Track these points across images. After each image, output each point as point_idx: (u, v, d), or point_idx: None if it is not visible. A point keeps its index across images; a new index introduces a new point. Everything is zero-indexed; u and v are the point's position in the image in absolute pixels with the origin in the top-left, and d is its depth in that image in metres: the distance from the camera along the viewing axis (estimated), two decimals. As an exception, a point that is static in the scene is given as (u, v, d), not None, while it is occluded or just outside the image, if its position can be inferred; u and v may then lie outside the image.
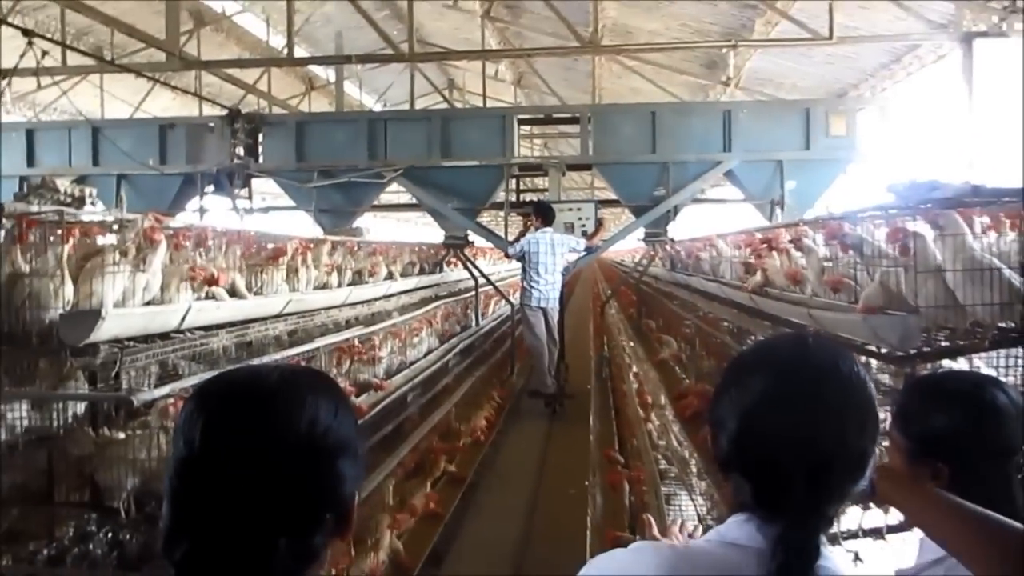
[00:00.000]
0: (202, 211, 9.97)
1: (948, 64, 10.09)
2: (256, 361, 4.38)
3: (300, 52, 13.66)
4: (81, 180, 9.45)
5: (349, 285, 6.89)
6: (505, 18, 14.13)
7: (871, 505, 3.68)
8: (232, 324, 5.08)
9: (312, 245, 6.28)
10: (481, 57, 13.92)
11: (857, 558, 3.63)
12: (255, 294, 5.21)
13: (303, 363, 4.57)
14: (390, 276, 8.16)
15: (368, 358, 5.68)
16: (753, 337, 5.23)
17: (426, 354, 7.71)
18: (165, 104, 15.07)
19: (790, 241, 4.46)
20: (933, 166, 10.15)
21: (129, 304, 4.04)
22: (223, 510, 0.98)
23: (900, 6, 9.37)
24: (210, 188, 9.85)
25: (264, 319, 5.48)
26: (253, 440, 1.00)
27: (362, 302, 7.53)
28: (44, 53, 7.86)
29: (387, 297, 8.38)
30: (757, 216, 9.37)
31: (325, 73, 16.49)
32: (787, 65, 12.57)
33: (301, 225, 9.95)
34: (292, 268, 5.76)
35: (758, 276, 4.96)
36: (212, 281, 4.52)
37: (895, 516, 3.78)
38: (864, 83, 12.24)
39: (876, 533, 3.62)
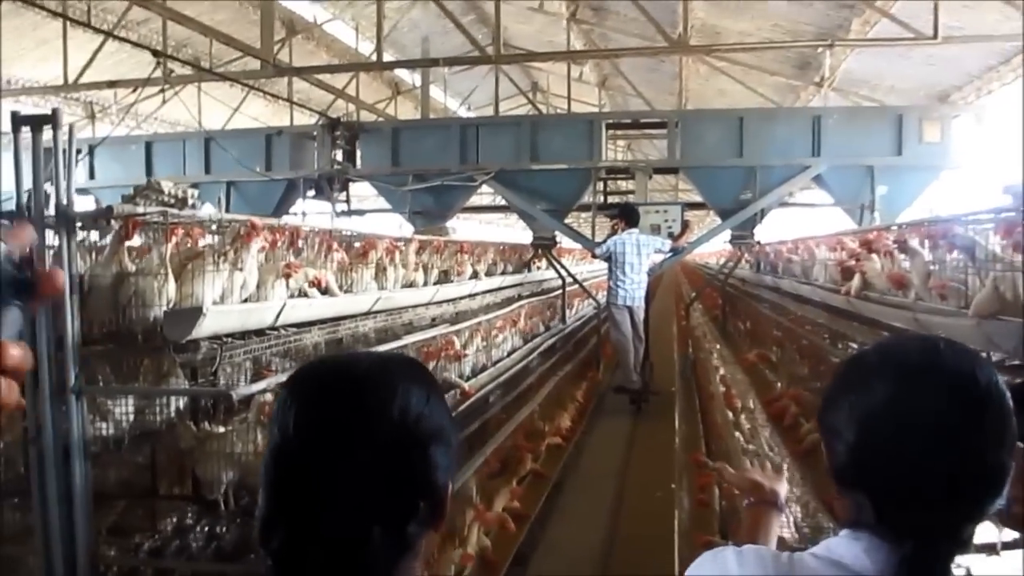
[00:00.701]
0: (304, 214, 10.50)
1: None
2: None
3: (388, 57, 13.90)
4: (193, 187, 9.98)
5: (435, 284, 6.96)
6: (591, 20, 14.07)
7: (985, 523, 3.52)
8: (323, 321, 5.17)
9: (400, 244, 6.35)
10: (566, 58, 13.88)
11: (969, 574, 3.47)
12: (345, 292, 5.30)
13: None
14: (475, 275, 8.21)
15: (453, 355, 5.70)
16: (851, 342, 5.06)
17: (510, 352, 7.72)
18: (258, 111, 15.53)
19: (894, 243, 4.29)
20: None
21: (228, 302, 4.15)
22: (317, 498, 0.98)
23: (1012, 5, 8.93)
24: (311, 192, 10.36)
25: (354, 316, 5.56)
26: (345, 427, 0.99)
27: (448, 300, 7.59)
28: (158, 65, 8.16)
29: (472, 296, 8.43)
30: (846, 220, 9.30)
31: (411, 77, 16.73)
32: (884, 66, 12.13)
33: (392, 226, 10.20)
34: (381, 267, 5.84)
35: (856, 280, 4.79)
36: (315, 283, 4.60)
37: (1010, 533, 3.61)
38: (968, 85, 11.71)
39: (990, 549, 3.46)
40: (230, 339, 4.36)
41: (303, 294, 4.82)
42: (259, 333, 4.68)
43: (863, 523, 1.11)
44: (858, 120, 9.57)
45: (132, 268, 3.94)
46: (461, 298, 8.07)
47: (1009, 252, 3.30)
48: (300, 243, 4.99)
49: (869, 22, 10.58)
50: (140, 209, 4.15)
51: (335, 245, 5.25)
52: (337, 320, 5.36)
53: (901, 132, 9.10)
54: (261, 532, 1.01)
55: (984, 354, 3.66)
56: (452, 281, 7.49)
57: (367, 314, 5.78)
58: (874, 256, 4.67)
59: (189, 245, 4.26)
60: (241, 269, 4.25)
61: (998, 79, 10.90)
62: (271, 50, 9.78)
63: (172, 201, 5.98)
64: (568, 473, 6.52)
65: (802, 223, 10.93)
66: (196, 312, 3.81)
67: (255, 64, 10.05)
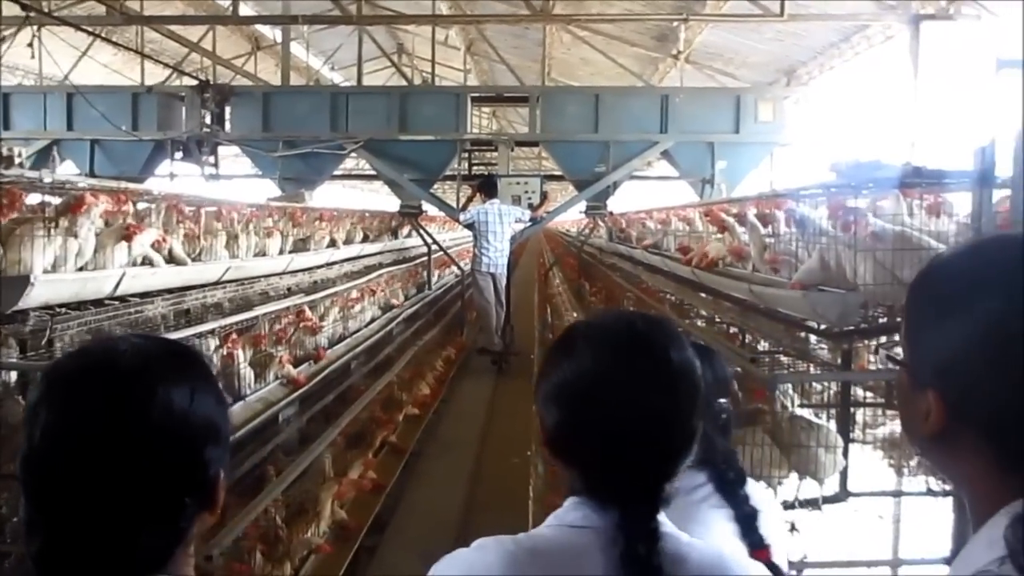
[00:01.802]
0: (172, 176, 10.24)
1: (896, 45, 10.19)
2: (192, 331, 4.27)
3: (246, 10, 13.30)
4: (54, 144, 10.09)
5: (291, 252, 6.78)
6: (457, -17, 13.93)
7: (807, 478, 3.78)
8: (170, 291, 4.96)
9: (254, 211, 6.15)
10: (431, 22, 13.69)
11: (793, 528, 3.72)
12: (193, 260, 5.09)
13: (236, 332, 4.47)
14: (333, 243, 8.07)
15: (309, 327, 5.60)
16: (697, 309, 5.29)
17: (371, 321, 7.65)
18: (107, 59, 14.55)
19: (734, 215, 4.49)
20: (876, 147, 10.35)
21: (61, 270, 3.91)
22: (74, 504, 0.93)
23: (851, -14, 9.46)
24: (179, 155, 10.12)
25: (203, 286, 5.36)
26: (100, 433, 0.94)
27: (304, 269, 7.42)
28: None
29: (329, 265, 8.29)
30: (690, 192, 10.03)
31: (272, 33, 16.08)
32: (737, 41, 12.57)
33: (263, 192, 9.98)
34: (232, 235, 5.64)
35: (711, 250, 4.96)
36: (157, 244, 4.39)
37: (830, 487, 3.90)
38: (813, 61, 12.29)
39: (812, 504, 3.72)
40: (65, 310, 4.12)
41: (147, 262, 4.60)
42: (98, 303, 4.45)
43: (579, 491, 1.16)
44: (701, 100, 10.27)
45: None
46: (318, 267, 7.91)
47: (834, 226, 3.52)
48: (146, 207, 4.76)
49: (723, -1, 10.93)
50: (-43, 170, 3.84)
51: (183, 210, 5.02)
52: (184, 290, 5.15)
53: (739, 111, 9.82)
54: (24, 535, 0.96)
55: (815, 324, 3.92)
56: (309, 249, 7.33)
57: (217, 283, 5.58)
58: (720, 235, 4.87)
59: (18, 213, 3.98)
60: (76, 236, 4.02)
61: (839, 56, 11.49)
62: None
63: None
64: (427, 442, 6.54)
65: (653, 195, 11.71)
66: (24, 281, 3.59)
67: (101, 9, 9.42)
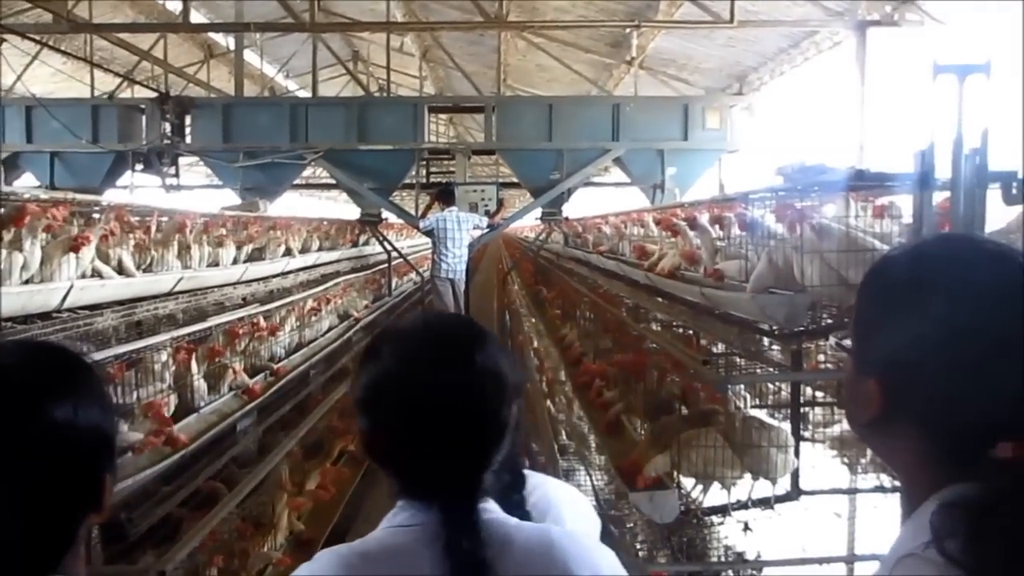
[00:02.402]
0: (132, 187, 10.31)
1: (843, 51, 10.40)
2: (143, 343, 4.20)
3: (198, 18, 13.14)
4: (14, 157, 10.10)
5: (246, 262, 6.71)
6: (411, -10, 13.90)
7: (760, 478, 3.83)
8: (120, 303, 4.88)
9: (208, 221, 6.08)
10: (385, 29, 13.67)
11: (747, 528, 3.78)
12: (144, 271, 5.02)
13: (186, 343, 4.41)
14: (288, 252, 8.01)
15: (263, 336, 5.54)
16: (652, 314, 5.33)
17: (329, 329, 7.60)
18: (58, 64, 14.24)
19: (684, 220, 4.54)
20: (824, 151, 10.56)
21: (6, 283, 3.84)
22: None
23: (799, -8, 9.64)
24: (140, 166, 10.13)
25: (154, 297, 5.28)
26: None
27: (259, 279, 7.35)
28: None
29: (284, 274, 8.22)
30: (642, 197, 10.39)
31: (225, 41, 15.90)
32: (690, 47, 12.72)
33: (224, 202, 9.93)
34: (184, 245, 5.57)
35: (670, 256, 4.99)
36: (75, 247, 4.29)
37: (783, 487, 3.96)
38: (764, 67, 12.47)
39: (765, 503, 3.78)
40: (10, 323, 4.04)
41: (96, 274, 4.53)
42: (46, 316, 4.37)
43: (400, 492, 1.20)
44: (651, 108, 10.53)
45: None
46: (274, 276, 7.83)
47: (782, 229, 3.57)
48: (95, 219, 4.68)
49: (675, 3, 11.06)
50: None
51: (128, 220, 4.94)
52: (136, 301, 5.07)
53: (687, 119, 10.19)
54: None
55: (766, 327, 3.97)
56: (264, 259, 7.26)
57: (170, 294, 5.51)
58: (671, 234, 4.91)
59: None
60: (20, 249, 3.95)
61: (789, 61, 11.69)
62: (65, 3, 9.03)
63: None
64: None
65: (605, 200, 12.14)
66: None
67: (48, 18, 9.25)
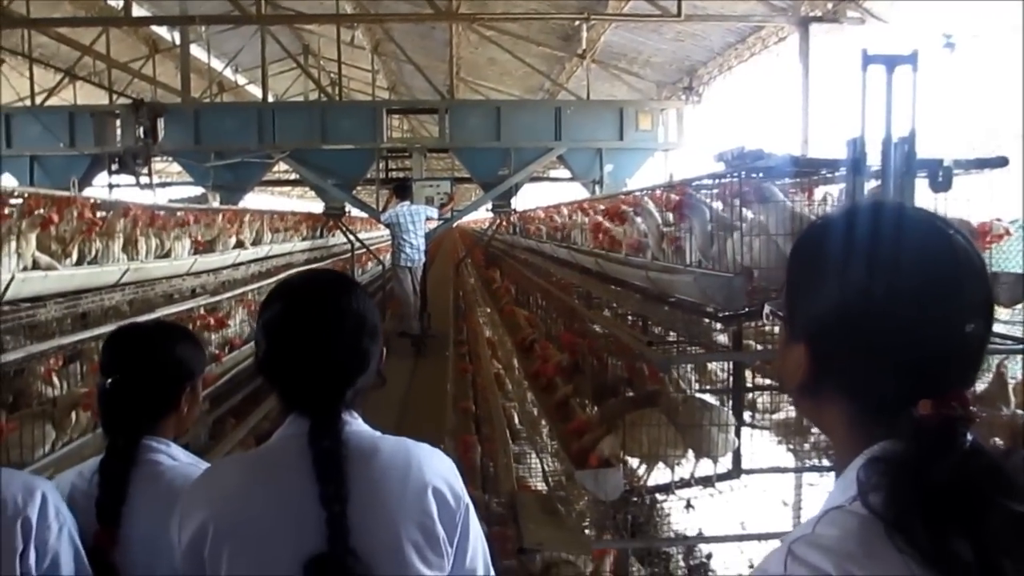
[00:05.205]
0: (111, 187, 10.73)
1: (788, 46, 10.61)
2: (88, 334, 4.16)
3: (140, 12, 12.92)
4: None
5: (195, 254, 6.65)
6: (361, -18, 13.80)
7: (703, 457, 3.92)
8: (63, 295, 4.82)
9: (153, 214, 6.01)
10: (334, 22, 13.59)
11: (689, 505, 3.87)
12: (89, 263, 4.96)
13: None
14: (240, 244, 7.95)
15: (214, 327, 5.51)
16: (600, 300, 5.42)
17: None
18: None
19: (631, 207, 4.62)
20: (768, 144, 10.76)
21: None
22: None
23: (745, -12, 9.80)
24: (115, 167, 10.53)
25: (99, 289, 5.22)
26: None
27: (209, 271, 7.28)
28: None
29: (236, 266, 8.16)
30: (583, 191, 11.28)
31: (171, 35, 15.62)
32: (640, 41, 12.85)
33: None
34: (131, 238, 5.50)
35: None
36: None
37: (724, 465, 4.05)
38: (712, 61, 12.66)
39: (706, 482, 3.87)
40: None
41: (36, 266, 4.46)
42: (-13, 309, 4.29)
43: (286, 407, 1.50)
44: (590, 111, 11.54)
45: None
46: (224, 268, 7.77)
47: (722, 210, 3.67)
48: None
49: (624, -1, 11.19)
50: None
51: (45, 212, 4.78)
52: (79, 293, 5.00)
53: (622, 121, 11.18)
54: None
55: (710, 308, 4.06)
56: (215, 251, 7.20)
57: (115, 286, 5.44)
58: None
59: None
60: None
61: (736, 56, 11.90)
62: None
63: None
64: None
65: (550, 194, 12.91)
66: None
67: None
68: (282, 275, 8.69)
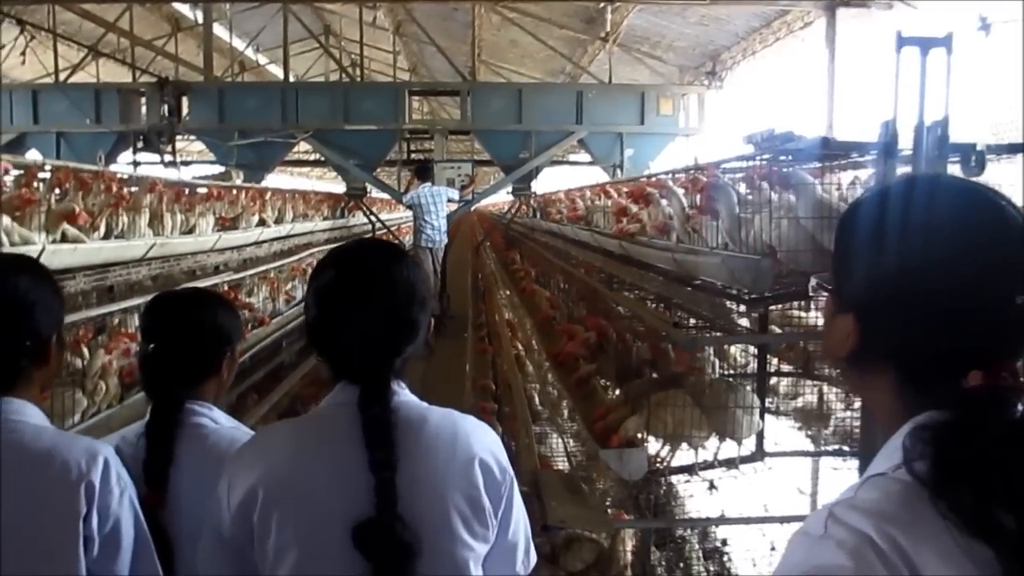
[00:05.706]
0: (136, 164, 10.77)
1: (814, 31, 10.50)
2: (116, 307, 4.20)
3: (165, -11, 12.96)
4: (21, 137, 10.87)
5: (219, 231, 6.70)
6: (384, -37, 13.75)
7: (726, 440, 3.93)
8: (90, 268, 4.86)
9: (180, 190, 6.05)
10: (357, 2, 13.57)
11: (712, 486, 3.88)
12: (116, 237, 5.01)
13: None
14: (263, 223, 8.00)
15: (239, 304, 5.55)
16: (622, 280, 5.41)
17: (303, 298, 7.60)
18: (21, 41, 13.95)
19: (655, 188, 4.61)
20: (794, 129, 10.68)
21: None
22: None
23: (773, -29, 9.70)
24: (139, 144, 10.72)
25: (126, 263, 5.27)
26: None
27: (233, 248, 7.33)
28: None
29: (259, 243, 8.21)
30: (603, 175, 11.25)
31: (193, 14, 15.65)
32: (664, 24, 12.73)
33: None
34: (157, 213, 5.54)
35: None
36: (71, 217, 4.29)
37: (747, 448, 4.06)
38: (736, 46, 12.54)
39: (730, 463, 3.88)
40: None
41: (65, 239, 4.50)
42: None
43: (335, 376, 1.50)
44: (611, 95, 11.45)
45: None
46: (247, 245, 7.82)
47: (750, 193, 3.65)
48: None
49: (650, -19, 11.10)
50: None
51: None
52: (106, 267, 5.05)
53: (643, 106, 11.19)
54: None
55: (734, 290, 4.04)
56: (238, 228, 7.25)
57: (141, 261, 5.49)
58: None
59: None
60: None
61: (760, 41, 11.79)
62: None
63: None
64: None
65: (570, 178, 13.00)
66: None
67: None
68: (302, 254, 8.76)
